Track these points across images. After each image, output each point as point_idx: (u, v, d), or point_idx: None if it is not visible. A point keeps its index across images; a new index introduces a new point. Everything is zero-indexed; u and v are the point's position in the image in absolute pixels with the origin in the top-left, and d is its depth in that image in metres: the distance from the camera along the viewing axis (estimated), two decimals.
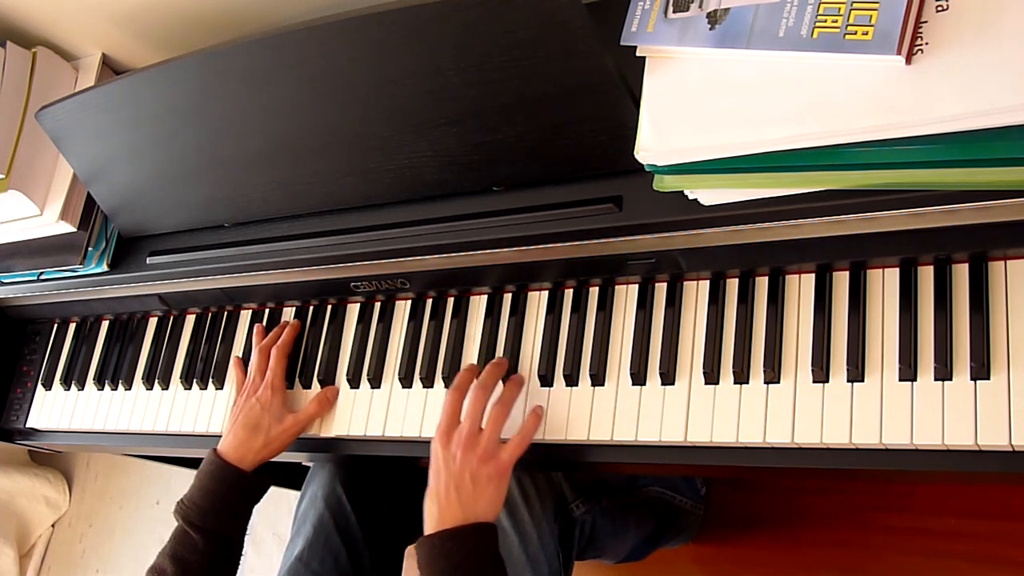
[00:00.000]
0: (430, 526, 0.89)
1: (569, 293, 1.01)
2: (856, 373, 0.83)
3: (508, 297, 1.04)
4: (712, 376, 0.89)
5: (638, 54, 0.80)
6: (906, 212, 0.76)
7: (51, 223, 1.16)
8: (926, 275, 0.83)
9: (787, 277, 0.90)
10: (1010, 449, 0.75)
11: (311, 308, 1.18)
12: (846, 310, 0.85)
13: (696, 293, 0.94)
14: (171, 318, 1.29)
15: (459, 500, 0.88)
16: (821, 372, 0.84)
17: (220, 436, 1.09)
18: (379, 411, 1.07)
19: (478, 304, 1.06)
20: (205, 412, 1.20)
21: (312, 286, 1.14)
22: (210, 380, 1.21)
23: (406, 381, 1.06)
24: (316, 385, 1.13)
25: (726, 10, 0.76)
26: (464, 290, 1.07)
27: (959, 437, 0.77)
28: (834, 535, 1.34)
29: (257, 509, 1.08)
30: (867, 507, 1.33)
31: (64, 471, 2.54)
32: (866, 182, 0.72)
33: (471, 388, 0.95)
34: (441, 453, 0.91)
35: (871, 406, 0.81)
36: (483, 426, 0.92)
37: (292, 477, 1.34)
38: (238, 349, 1.22)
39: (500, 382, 0.98)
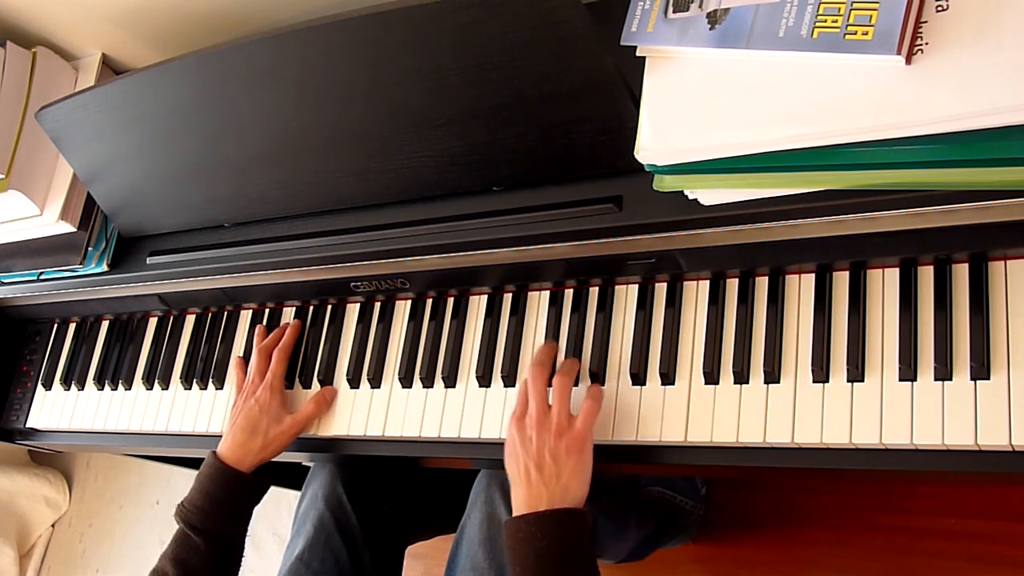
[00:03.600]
0: (517, 510, 0.87)
1: (569, 293, 1.01)
2: (856, 373, 0.83)
3: (508, 297, 1.04)
4: (712, 376, 0.89)
5: (638, 54, 0.80)
6: (906, 212, 0.76)
7: (51, 223, 1.16)
8: (926, 275, 0.83)
9: (787, 277, 0.90)
10: (1010, 449, 0.75)
11: (311, 308, 1.18)
12: (846, 310, 0.85)
13: (696, 293, 0.94)
14: (171, 318, 1.29)
15: (542, 479, 0.86)
16: (821, 372, 0.84)
17: (220, 436, 1.09)
18: (379, 411, 1.07)
19: (478, 304, 1.06)
20: (205, 412, 1.20)
21: (312, 286, 1.14)
22: (210, 380, 1.21)
23: (406, 381, 1.06)
24: (316, 385, 1.13)
25: (726, 10, 0.76)
26: (464, 290, 1.07)
27: (959, 437, 0.77)
28: (834, 535, 1.34)
29: (257, 509, 1.08)
30: (867, 507, 1.33)
31: (64, 471, 2.54)
32: (866, 182, 0.72)
33: (529, 367, 0.94)
34: (517, 436, 0.89)
35: (871, 406, 0.81)
36: (550, 403, 0.90)
37: (292, 477, 1.34)
38: (238, 349, 1.22)
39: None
